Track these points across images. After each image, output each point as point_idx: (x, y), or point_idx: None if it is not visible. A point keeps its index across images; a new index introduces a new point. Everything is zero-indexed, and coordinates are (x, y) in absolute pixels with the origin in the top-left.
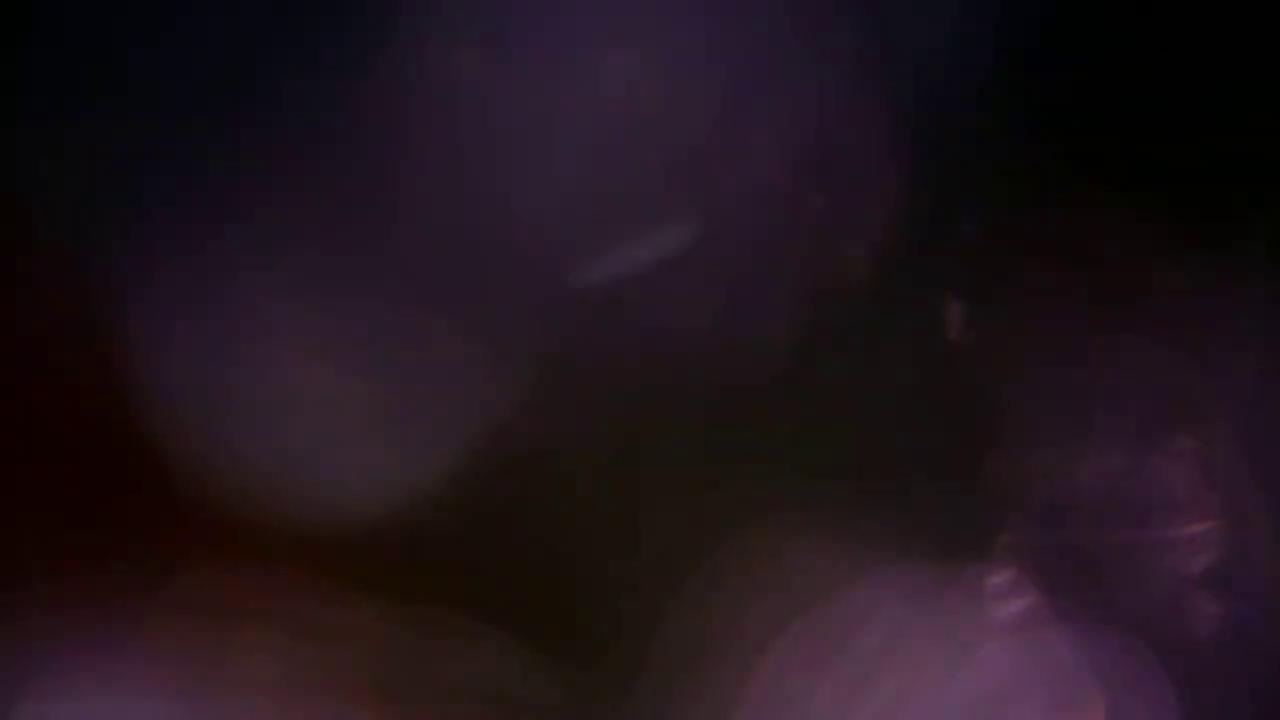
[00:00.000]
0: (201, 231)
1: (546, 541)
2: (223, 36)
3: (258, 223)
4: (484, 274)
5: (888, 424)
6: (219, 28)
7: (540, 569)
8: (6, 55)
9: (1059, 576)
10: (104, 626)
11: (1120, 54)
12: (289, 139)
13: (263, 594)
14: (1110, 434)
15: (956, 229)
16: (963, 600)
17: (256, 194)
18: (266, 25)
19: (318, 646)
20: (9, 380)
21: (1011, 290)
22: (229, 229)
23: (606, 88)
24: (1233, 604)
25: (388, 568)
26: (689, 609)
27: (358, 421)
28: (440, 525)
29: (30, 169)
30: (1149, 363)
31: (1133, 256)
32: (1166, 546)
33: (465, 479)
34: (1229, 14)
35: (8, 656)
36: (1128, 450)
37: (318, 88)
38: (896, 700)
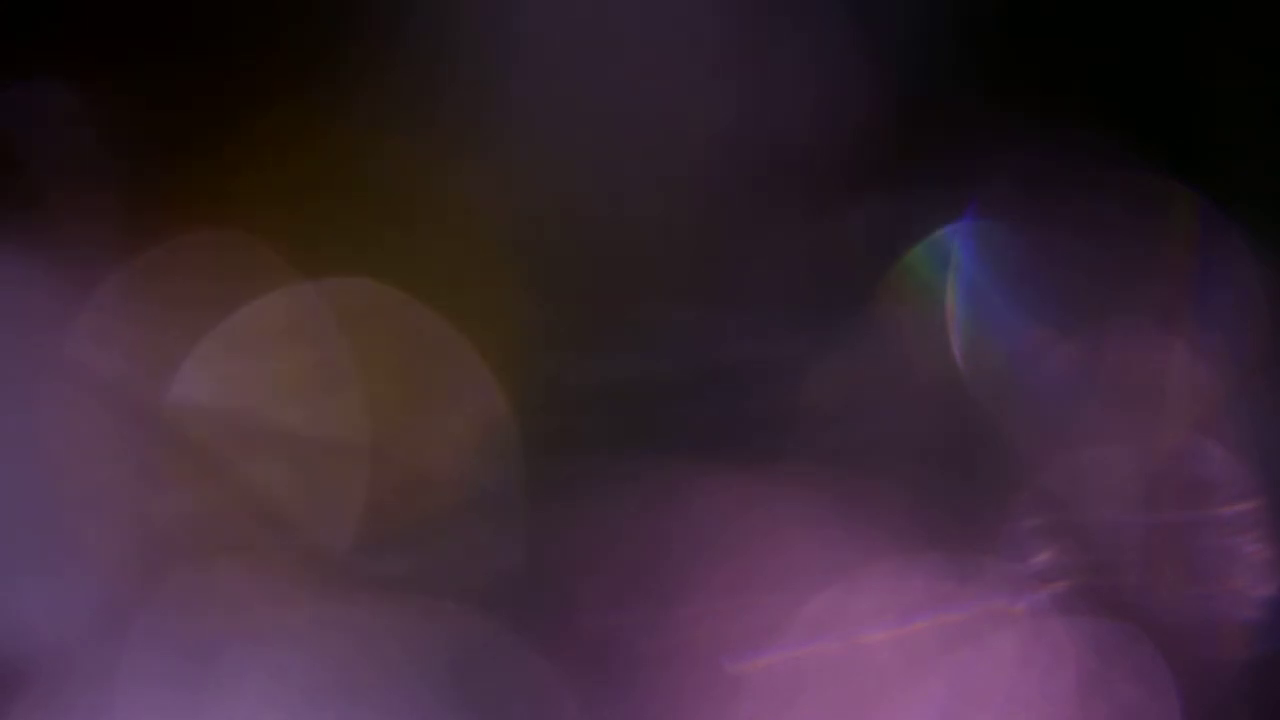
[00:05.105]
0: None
1: (548, 537)
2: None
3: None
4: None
5: (892, 414)
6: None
7: (541, 565)
8: None
9: (1066, 567)
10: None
11: (1123, 38)
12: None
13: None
14: (1116, 421)
15: (958, 217)
16: (968, 591)
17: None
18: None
19: (319, 642)
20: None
21: (1017, 274)
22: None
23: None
24: (1237, 596)
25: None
26: (692, 603)
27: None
28: (441, 520)
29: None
30: (1155, 349)
31: (1143, 239)
32: (1173, 536)
33: (469, 473)
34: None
35: (9, 654)
36: (1134, 438)
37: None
38: (904, 692)
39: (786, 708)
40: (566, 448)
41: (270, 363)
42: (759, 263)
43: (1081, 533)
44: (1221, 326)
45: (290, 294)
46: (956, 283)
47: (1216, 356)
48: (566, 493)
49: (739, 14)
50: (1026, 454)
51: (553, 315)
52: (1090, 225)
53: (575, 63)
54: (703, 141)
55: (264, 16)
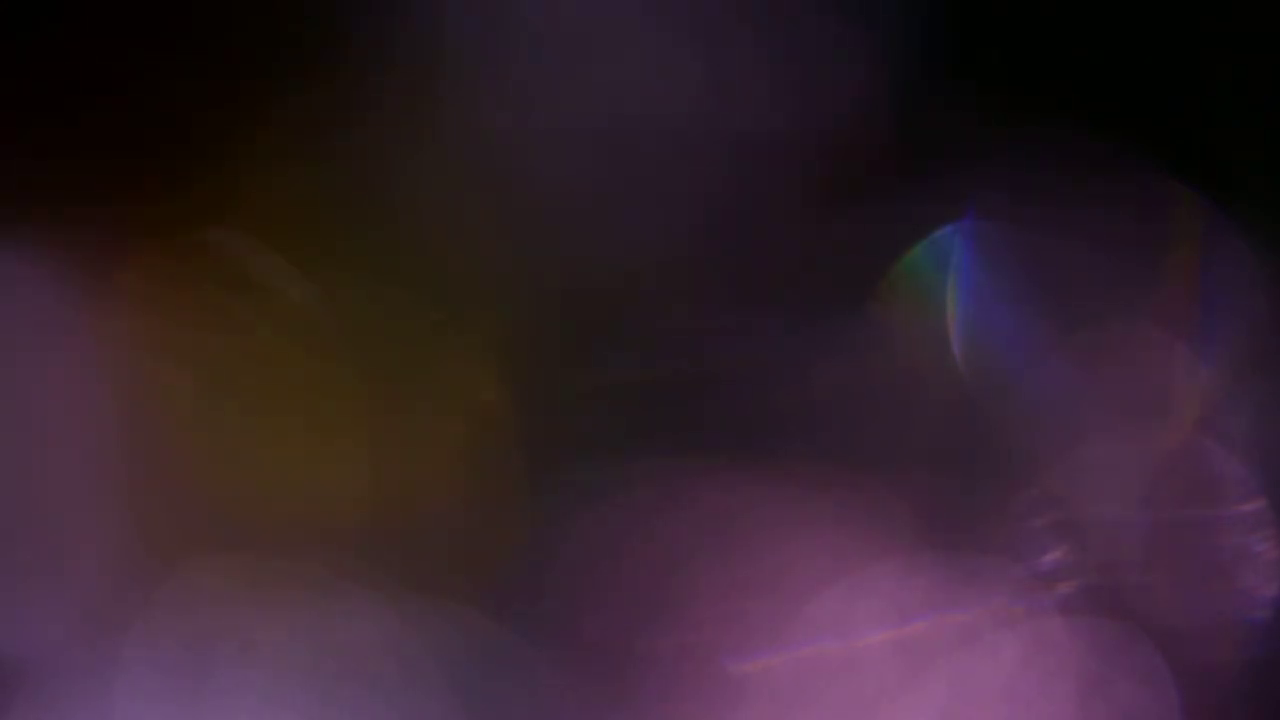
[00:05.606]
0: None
1: (549, 539)
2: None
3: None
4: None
5: (892, 414)
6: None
7: (541, 565)
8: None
9: (1067, 567)
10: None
11: (1121, 36)
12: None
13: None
14: (1116, 421)
15: (958, 218)
16: (970, 592)
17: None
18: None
19: (318, 639)
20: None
21: (1017, 274)
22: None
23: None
24: (1238, 596)
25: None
26: (693, 604)
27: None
28: (439, 520)
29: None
30: (1155, 350)
31: (1143, 240)
32: (1174, 537)
33: (464, 474)
34: None
35: (9, 656)
36: (1134, 438)
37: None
38: (906, 693)
39: (788, 709)
40: (567, 449)
41: (270, 364)
42: (759, 263)
43: (1082, 533)
44: (1222, 327)
45: (289, 294)
46: (956, 283)
47: (1216, 357)
48: (567, 494)
49: (738, 14)
50: (1027, 454)
51: (553, 316)
52: (1090, 226)
53: (575, 63)
54: (703, 143)
55: (264, 16)
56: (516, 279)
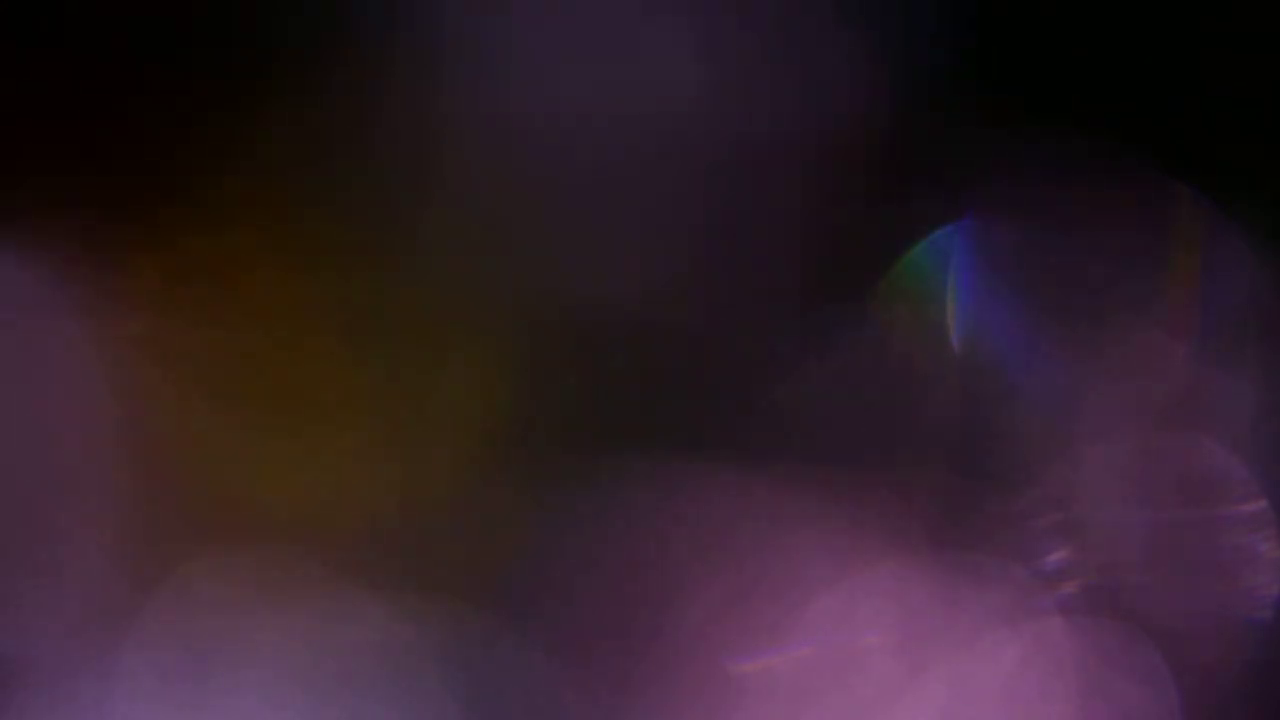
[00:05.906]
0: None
1: (548, 538)
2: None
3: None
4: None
5: (892, 414)
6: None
7: (541, 565)
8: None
9: (1067, 567)
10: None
11: (1119, 39)
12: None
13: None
14: (1116, 421)
15: (958, 217)
16: (969, 592)
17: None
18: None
19: (319, 640)
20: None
21: (1017, 274)
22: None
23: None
24: (1239, 596)
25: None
26: (693, 604)
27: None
28: (439, 521)
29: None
30: (1155, 349)
31: (1143, 240)
32: (1174, 537)
33: (463, 475)
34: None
35: (9, 658)
36: (1134, 438)
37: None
38: (905, 693)
39: (788, 709)
40: (568, 449)
41: (270, 364)
42: (758, 262)
43: (1082, 533)
44: (1222, 326)
45: (289, 295)
46: (956, 283)
47: (1216, 356)
48: (568, 494)
49: (737, 14)
50: (1027, 454)
51: (554, 316)
52: (1090, 225)
53: (574, 63)
54: (703, 143)
55: (264, 17)
56: (516, 279)
